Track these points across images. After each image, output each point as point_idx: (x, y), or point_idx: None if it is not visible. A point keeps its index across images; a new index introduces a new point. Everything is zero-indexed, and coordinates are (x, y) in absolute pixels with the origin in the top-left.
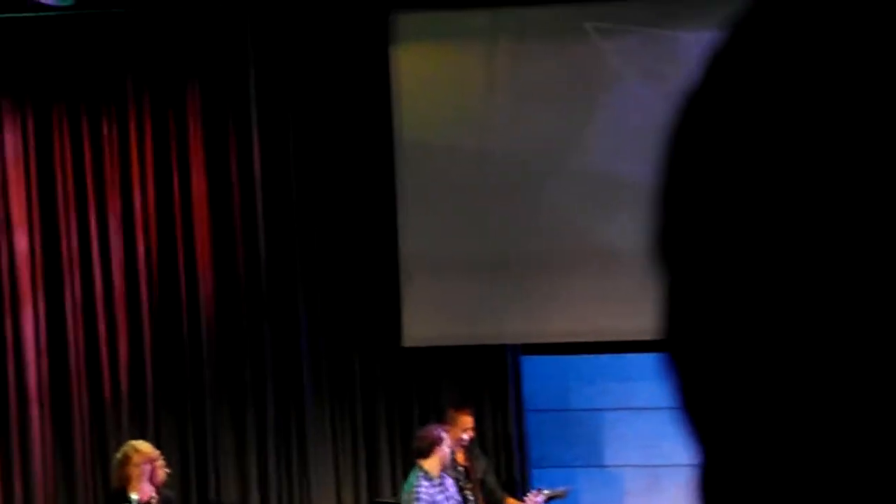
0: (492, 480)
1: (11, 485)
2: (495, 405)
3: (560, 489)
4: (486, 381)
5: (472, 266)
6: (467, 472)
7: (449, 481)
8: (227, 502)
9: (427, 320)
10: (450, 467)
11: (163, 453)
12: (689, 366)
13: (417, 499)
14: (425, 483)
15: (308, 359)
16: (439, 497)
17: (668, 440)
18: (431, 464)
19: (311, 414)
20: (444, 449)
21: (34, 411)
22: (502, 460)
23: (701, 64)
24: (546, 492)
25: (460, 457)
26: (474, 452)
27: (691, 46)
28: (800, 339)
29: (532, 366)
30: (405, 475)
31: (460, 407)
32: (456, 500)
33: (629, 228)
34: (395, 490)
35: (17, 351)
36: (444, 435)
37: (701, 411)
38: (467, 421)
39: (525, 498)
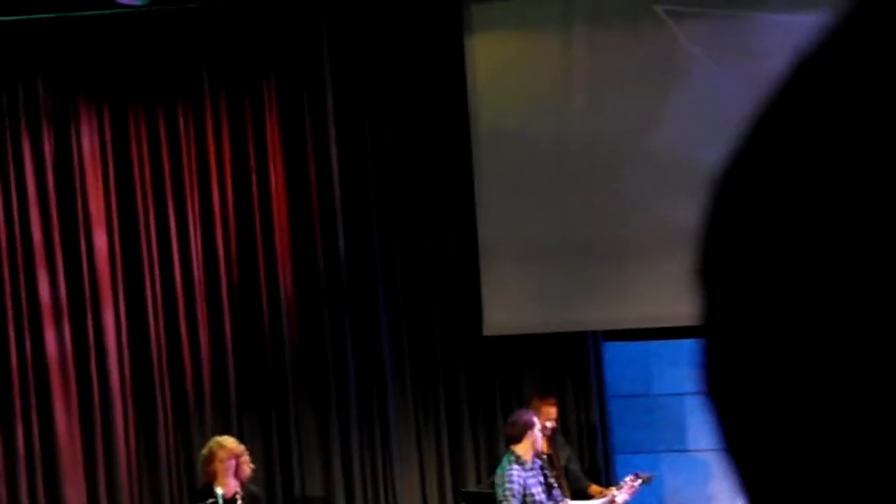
0: (576, 468)
1: (96, 481)
2: (577, 392)
3: (645, 474)
4: (568, 369)
5: (552, 253)
6: (551, 460)
7: (539, 474)
8: (312, 496)
9: (507, 308)
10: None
11: (247, 448)
12: (730, 408)
13: (510, 482)
14: (517, 468)
15: (390, 350)
16: (531, 481)
17: None
18: (523, 448)
19: (393, 405)
20: (536, 433)
21: (118, 409)
22: (585, 447)
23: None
24: (643, 475)
25: (544, 445)
26: (558, 441)
27: (765, 28)
28: (843, 389)
29: (614, 352)
30: (489, 464)
31: (545, 396)
32: (543, 489)
33: None
34: (480, 479)
35: (100, 349)
36: (535, 420)
37: (744, 454)
38: (551, 410)
39: (622, 483)
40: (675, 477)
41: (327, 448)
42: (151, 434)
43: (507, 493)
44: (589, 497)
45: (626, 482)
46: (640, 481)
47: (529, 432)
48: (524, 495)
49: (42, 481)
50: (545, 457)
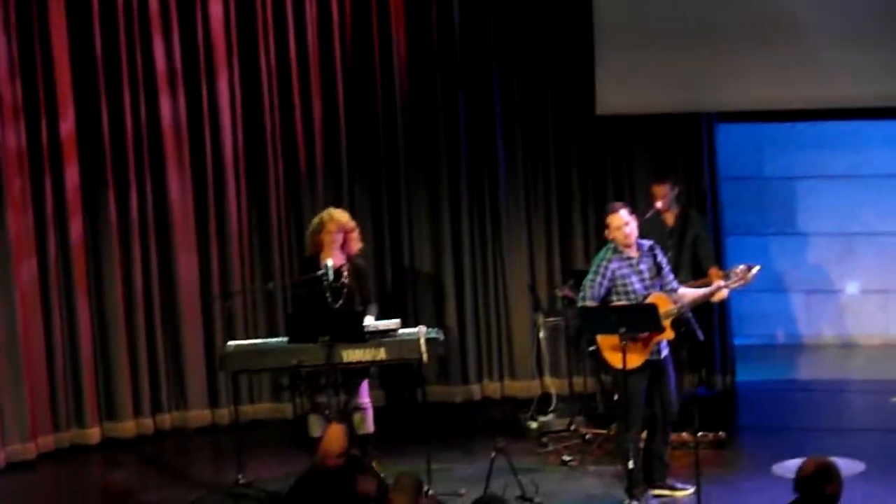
0: (706, 247)
1: (208, 249)
2: (689, 173)
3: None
4: (681, 150)
5: (668, 34)
6: (674, 233)
7: (645, 261)
8: (420, 270)
9: (621, 88)
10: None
11: (357, 221)
12: None
13: (605, 268)
14: (613, 257)
15: (501, 127)
16: (626, 271)
17: (864, 208)
18: (613, 237)
19: (504, 183)
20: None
21: (230, 177)
22: None
23: None
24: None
25: (670, 218)
26: (692, 216)
27: None
28: None
29: (727, 133)
30: (598, 248)
31: (656, 178)
32: (647, 277)
33: None
34: (588, 260)
35: (213, 117)
36: (622, 213)
37: None
38: (660, 190)
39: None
40: (784, 259)
41: (438, 224)
42: (262, 203)
43: (588, 280)
44: (706, 277)
45: (735, 272)
46: (752, 273)
47: (607, 219)
48: (615, 284)
49: (155, 248)
50: (668, 230)
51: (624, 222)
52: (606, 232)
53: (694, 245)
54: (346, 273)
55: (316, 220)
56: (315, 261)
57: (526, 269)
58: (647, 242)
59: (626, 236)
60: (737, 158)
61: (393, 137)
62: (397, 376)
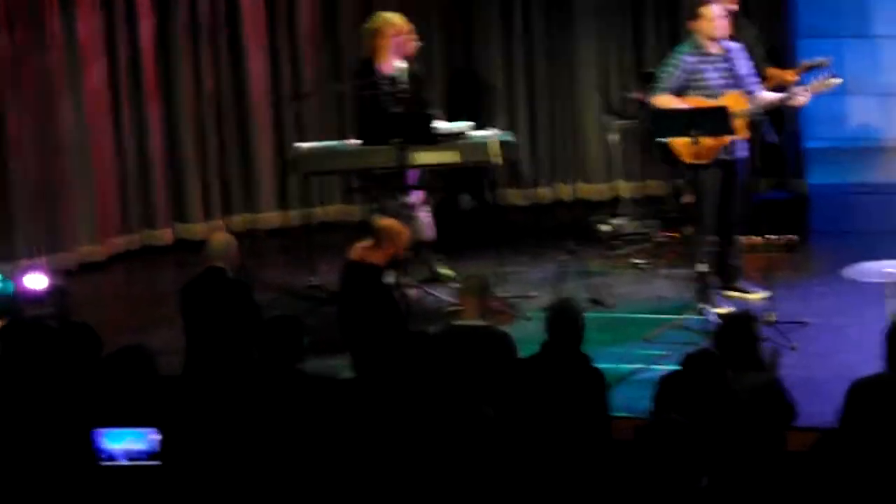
0: (759, 52)
1: (279, 53)
2: None
3: (820, 59)
4: None
5: None
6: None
7: (727, 61)
8: (492, 74)
9: None
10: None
11: (427, 27)
12: None
13: (682, 61)
14: (693, 51)
15: None
16: (704, 66)
17: None
18: (700, 28)
19: None
20: (716, 17)
21: None
22: (769, 29)
23: None
24: (806, 63)
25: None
26: (741, 22)
27: None
28: None
29: None
30: (671, 49)
31: None
32: (726, 75)
33: None
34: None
35: None
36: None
37: None
38: None
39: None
40: (856, 62)
41: (509, 27)
42: (334, 2)
43: (665, 71)
44: (765, 79)
45: (819, 80)
46: (834, 81)
47: (700, 9)
48: (692, 77)
49: (226, 49)
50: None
51: (718, 14)
52: (695, 22)
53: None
54: (405, 78)
55: (370, 24)
56: (370, 64)
57: (598, 72)
58: (735, 45)
59: (716, 28)
60: None
61: None
62: (469, 179)
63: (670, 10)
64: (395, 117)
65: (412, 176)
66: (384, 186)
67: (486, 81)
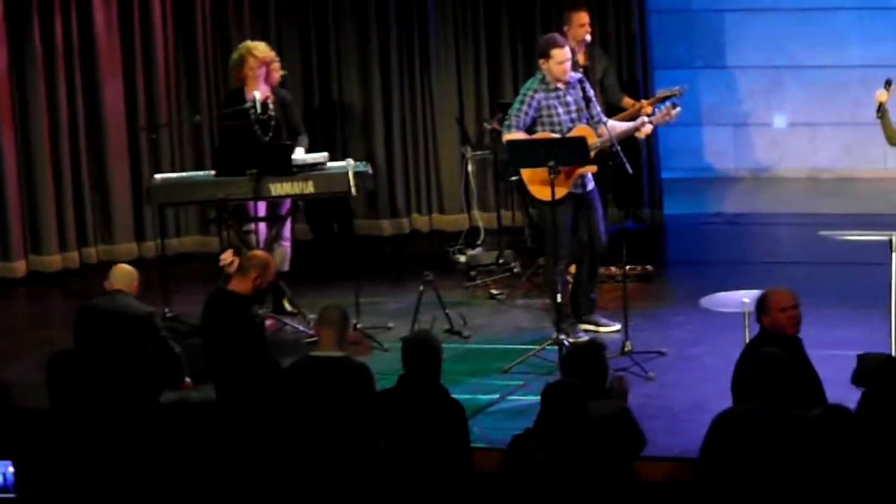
0: (612, 81)
1: (134, 79)
2: (618, 4)
3: (676, 88)
4: None
5: None
6: (587, 72)
7: (572, 94)
8: (349, 102)
9: None
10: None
11: (284, 57)
12: None
13: (531, 98)
14: (540, 87)
15: None
16: (552, 101)
17: (791, 41)
18: (549, 68)
19: (433, 17)
20: (566, 59)
21: (157, 10)
22: (624, 60)
23: None
24: (661, 92)
25: (581, 57)
26: (595, 52)
27: None
28: None
29: None
30: (526, 78)
31: (576, 5)
32: (573, 109)
33: None
34: (517, 92)
35: None
36: (557, 39)
37: None
38: (583, 17)
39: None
40: (711, 92)
41: (366, 57)
42: (189, 34)
43: (514, 109)
44: (622, 110)
45: (661, 111)
46: (675, 111)
47: (552, 51)
48: (541, 114)
49: (80, 80)
50: (581, 69)
51: (567, 58)
52: (542, 62)
53: (601, 80)
54: (272, 105)
55: (235, 55)
56: (240, 94)
57: (455, 100)
58: (576, 75)
59: (565, 73)
60: None
61: None
62: (325, 210)
63: (526, 38)
64: (253, 148)
65: (284, 206)
66: (239, 217)
67: (343, 113)
